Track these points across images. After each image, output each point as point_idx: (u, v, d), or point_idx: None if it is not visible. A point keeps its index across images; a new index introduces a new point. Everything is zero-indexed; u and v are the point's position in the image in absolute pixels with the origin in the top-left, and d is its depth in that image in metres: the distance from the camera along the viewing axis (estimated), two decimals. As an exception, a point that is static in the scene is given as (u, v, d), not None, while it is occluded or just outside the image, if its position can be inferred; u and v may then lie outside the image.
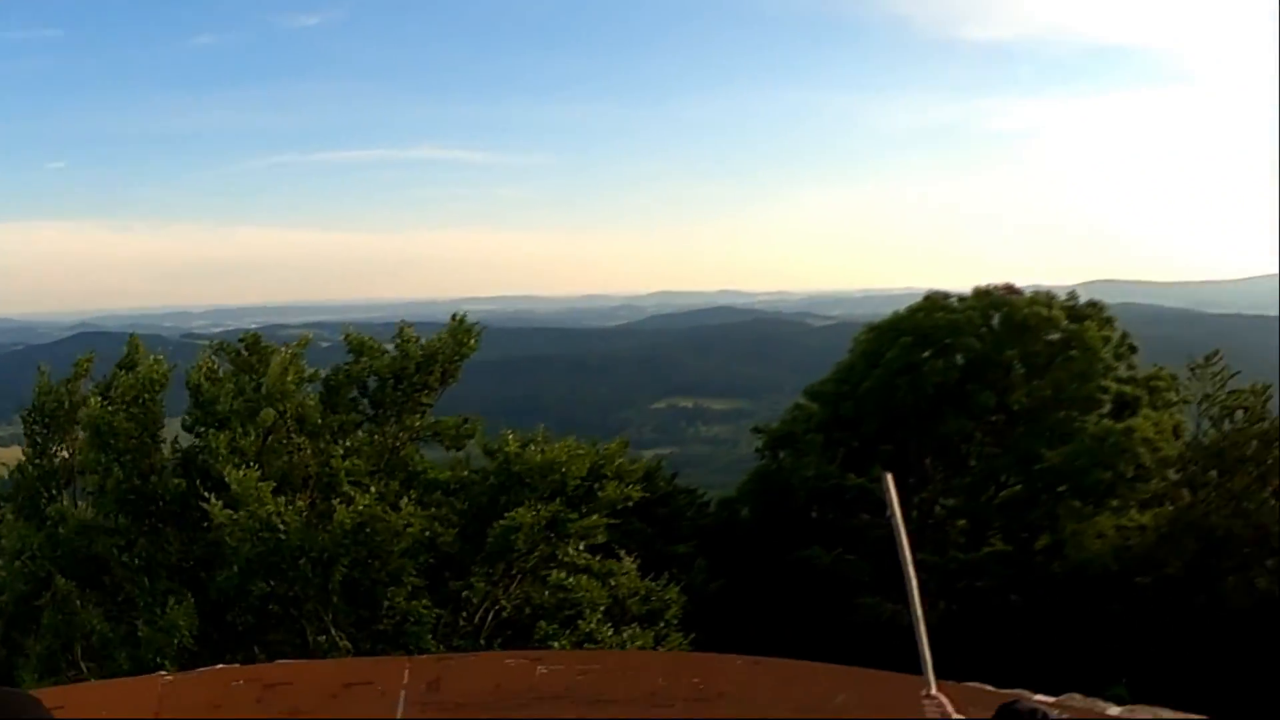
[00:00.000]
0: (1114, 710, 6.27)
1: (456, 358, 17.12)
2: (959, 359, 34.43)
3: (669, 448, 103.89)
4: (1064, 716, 4.00)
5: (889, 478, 4.90)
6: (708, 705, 6.03)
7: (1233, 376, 33.10)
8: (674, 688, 6.22)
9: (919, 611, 4.65)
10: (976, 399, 33.41)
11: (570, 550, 15.67)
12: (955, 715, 4.31)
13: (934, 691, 4.44)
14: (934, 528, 33.82)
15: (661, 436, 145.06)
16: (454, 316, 17.78)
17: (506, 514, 14.38)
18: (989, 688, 6.46)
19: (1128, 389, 34.29)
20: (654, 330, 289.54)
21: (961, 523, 33.98)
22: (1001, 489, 34.14)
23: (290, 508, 13.83)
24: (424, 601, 14.40)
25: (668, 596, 18.17)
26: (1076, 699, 6.25)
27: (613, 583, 16.46)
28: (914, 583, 4.75)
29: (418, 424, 17.37)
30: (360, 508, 13.69)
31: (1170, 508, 32.80)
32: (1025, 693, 5.11)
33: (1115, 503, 32.82)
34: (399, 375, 16.82)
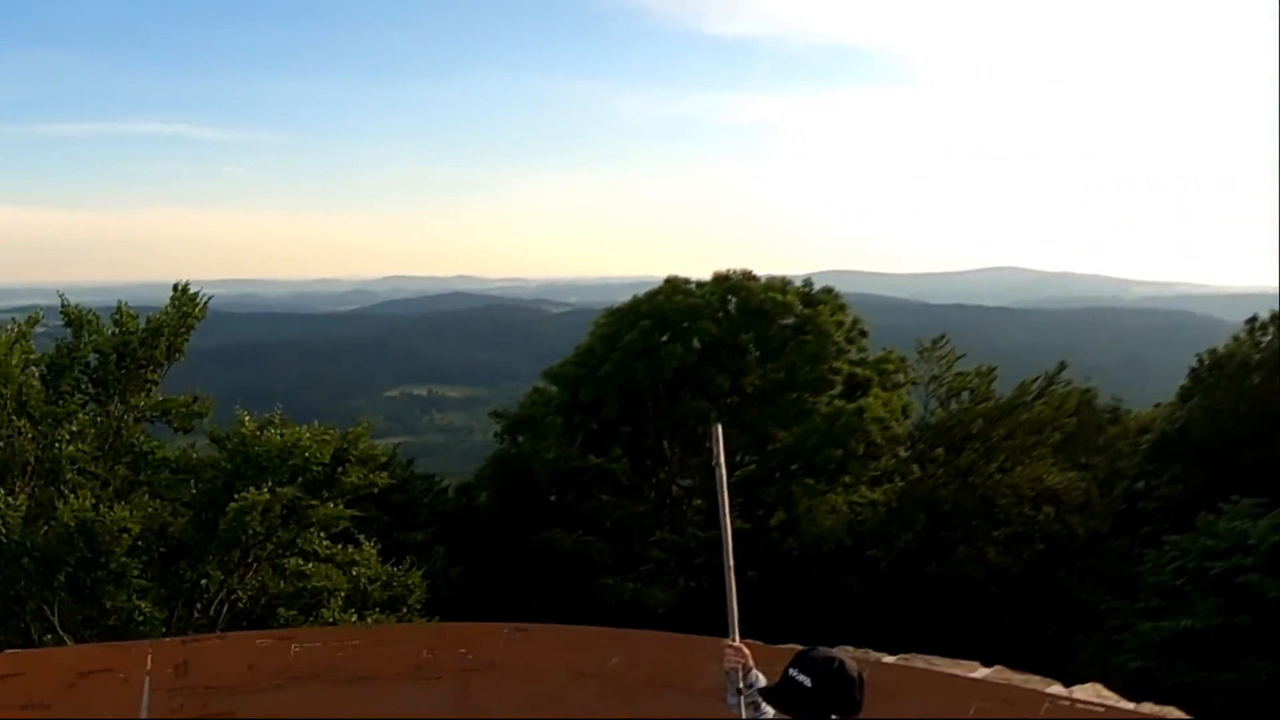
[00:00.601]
0: (888, 658, 6.79)
1: (183, 329, 16.71)
2: (696, 342, 35.74)
3: (403, 436, 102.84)
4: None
5: (718, 429, 4.97)
6: (480, 675, 6.05)
7: (958, 359, 36.50)
8: (441, 660, 6.21)
9: (730, 562, 4.80)
10: (713, 381, 34.82)
11: (312, 537, 15.61)
12: (754, 665, 4.50)
13: (736, 641, 4.60)
14: (672, 507, 35.31)
15: (395, 425, 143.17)
16: (176, 286, 17.34)
17: (237, 495, 14.16)
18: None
19: (859, 371, 36.47)
20: (387, 316, 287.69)
21: (699, 502, 35.15)
22: (737, 468, 35.44)
23: (9, 503, 13.23)
24: (147, 603, 14.08)
25: (410, 582, 18.38)
26: (848, 649, 6.33)
27: (354, 572, 16.52)
28: (729, 534, 4.89)
29: (144, 403, 16.88)
30: (80, 507, 13.21)
31: (900, 483, 35.71)
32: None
33: (847, 479, 35.32)
34: (122, 351, 16.28)
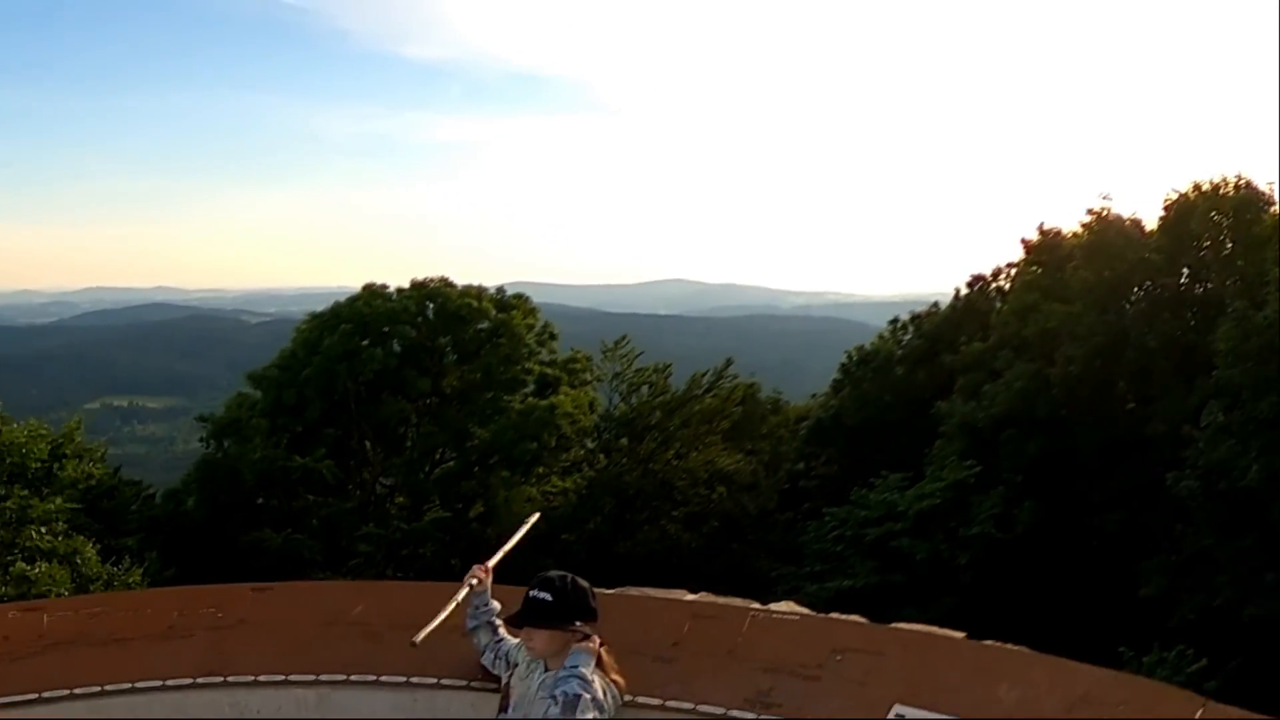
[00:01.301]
0: (607, 591, 6.92)
1: None
2: (396, 346, 38.41)
3: (106, 448, 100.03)
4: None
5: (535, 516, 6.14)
6: (230, 631, 6.32)
7: (638, 357, 40.40)
8: (191, 620, 6.45)
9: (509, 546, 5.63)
10: (414, 383, 37.66)
11: (33, 534, 17.10)
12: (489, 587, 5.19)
13: (489, 565, 5.22)
14: (376, 504, 37.63)
15: (97, 437, 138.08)
16: None
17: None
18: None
19: (549, 371, 40.12)
20: (87, 328, 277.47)
21: (401, 498, 37.92)
22: (438, 465, 38.66)
23: None
24: None
25: (130, 580, 19.82)
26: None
27: (77, 561, 17.93)
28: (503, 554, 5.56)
29: None
30: None
31: (589, 472, 39.49)
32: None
33: (541, 470, 38.73)
34: None
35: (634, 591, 7.13)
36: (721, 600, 6.90)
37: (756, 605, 6.54)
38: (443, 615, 4.81)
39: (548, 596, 4.37)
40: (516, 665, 4.82)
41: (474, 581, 5.09)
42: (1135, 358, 35.14)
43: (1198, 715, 4.50)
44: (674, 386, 39.94)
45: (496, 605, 5.14)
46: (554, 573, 4.53)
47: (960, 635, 6.03)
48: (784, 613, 6.55)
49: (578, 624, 4.36)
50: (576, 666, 4.27)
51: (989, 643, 5.89)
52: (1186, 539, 30.31)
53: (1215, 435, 30.19)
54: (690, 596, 6.96)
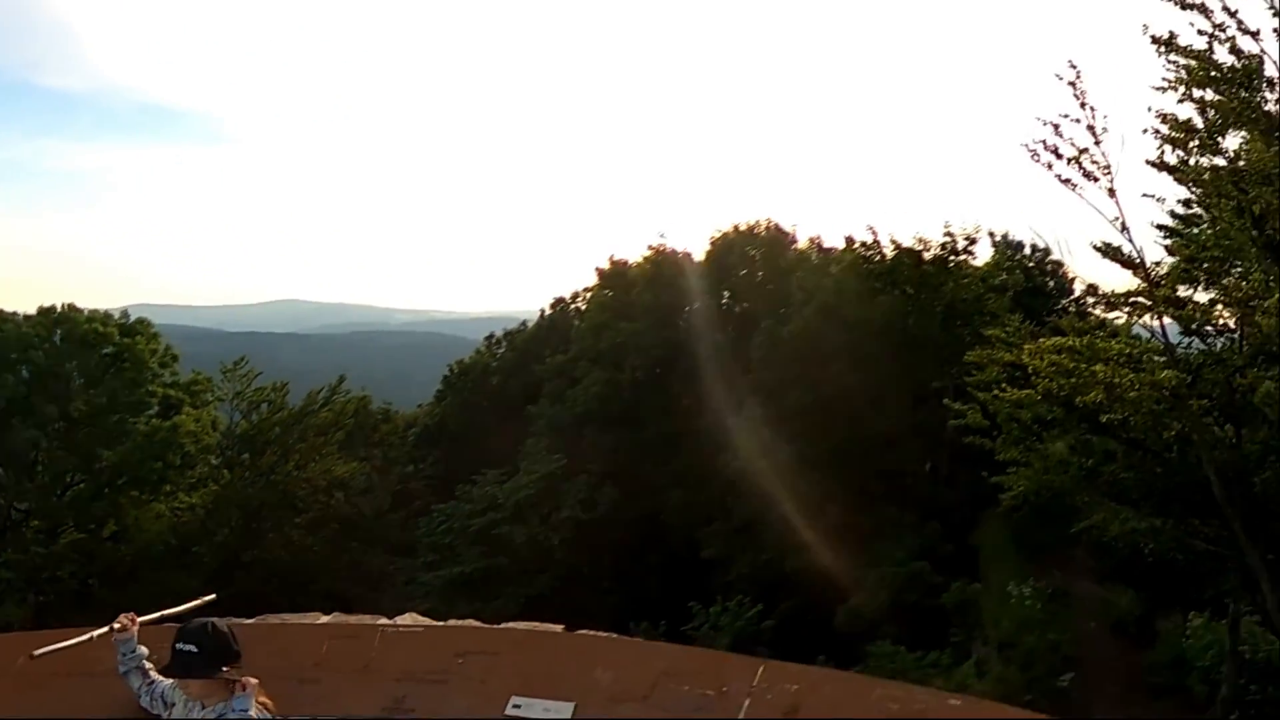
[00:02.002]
0: (246, 621, 7.14)
1: None
2: (25, 373, 40.18)
3: None
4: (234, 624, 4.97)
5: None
6: None
7: (256, 377, 44.13)
8: None
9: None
10: (43, 409, 39.38)
11: None
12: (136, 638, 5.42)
13: (131, 615, 5.48)
14: (13, 529, 39.24)
15: None
16: None
17: None
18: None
19: (172, 393, 43.23)
20: None
21: (36, 522, 39.56)
22: (70, 488, 40.58)
23: None
24: None
25: None
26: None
27: None
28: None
29: None
30: None
31: (215, 487, 42.65)
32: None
33: (169, 488, 41.79)
34: None
35: (274, 619, 7.52)
36: (354, 620, 7.59)
37: (385, 620, 7.20)
38: (73, 641, 5.34)
39: (193, 648, 4.71)
40: (174, 704, 5.15)
41: (117, 625, 5.38)
42: (688, 364, 42.36)
43: (759, 673, 5.37)
44: (291, 403, 43.57)
45: (144, 650, 5.43)
46: (195, 624, 4.87)
47: (560, 629, 6.89)
48: (410, 626, 7.06)
49: (224, 669, 4.73)
50: (246, 711, 4.69)
51: (584, 632, 6.82)
52: (736, 509, 36.40)
53: (754, 425, 36.93)
54: (324, 619, 7.53)
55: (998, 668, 23.76)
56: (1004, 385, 19.77)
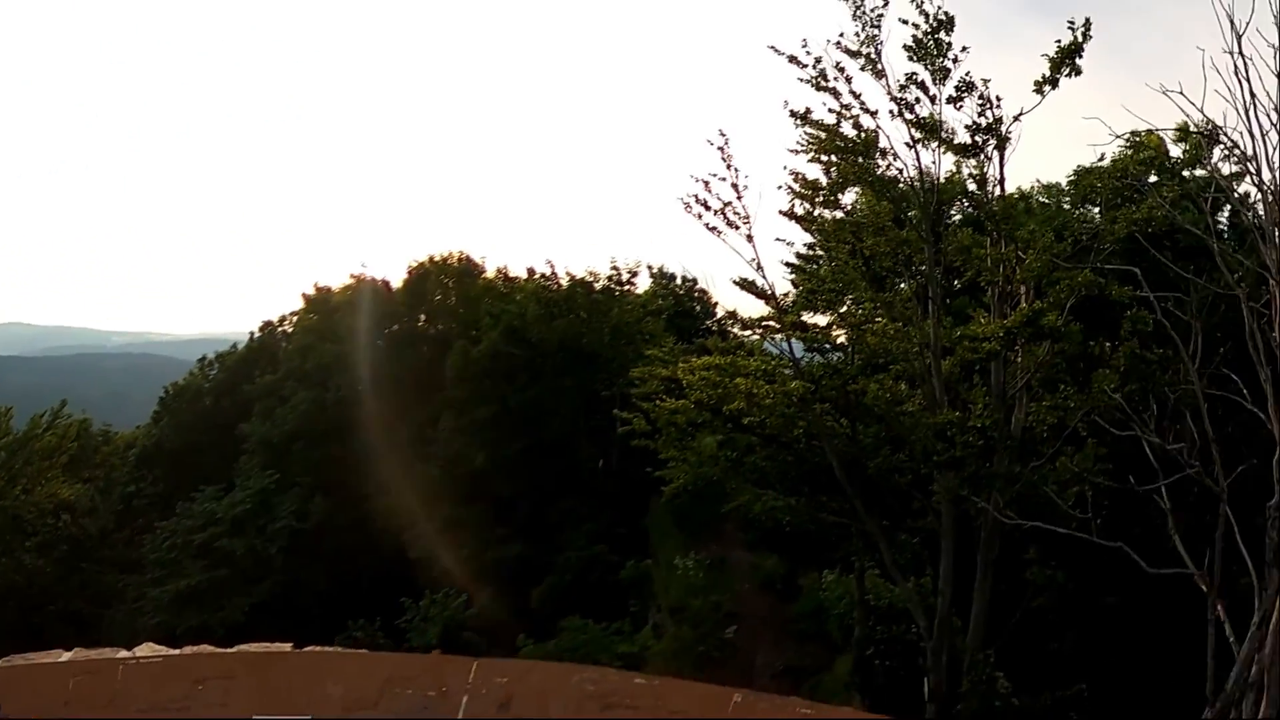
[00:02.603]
0: None
1: None
2: None
3: None
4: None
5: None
6: None
7: None
8: None
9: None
10: None
11: None
12: None
13: None
14: None
15: None
16: None
17: None
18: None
19: None
20: None
21: None
22: None
23: None
24: None
25: None
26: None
27: None
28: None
29: None
30: None
31: None
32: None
33: None
34: None
35: (19, 660, 6.38)
36: (95, 654, 6.38)
37: (125, 653, 6.23)
38: None
39: None
40: None
41: None
42: (388, 382, 42.13)
43: (473, 670, 5.00)
44: (16, 428, 41.08)
45: None
46: None
47: (289, 647, 6.44)
48: (149, 656, 6.18)
49: None
50: None
51: (312, 649, 6.30)
52: (437, 511, 36.46)
53: (450, 435, 37.56)
54: (66, 655, 6.43)
55: (672, 629, 24.85)
56: (663, 396, 20.84)
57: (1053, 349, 17.56)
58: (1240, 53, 13.97)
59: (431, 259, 47.09)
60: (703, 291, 43.19)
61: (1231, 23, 13.96)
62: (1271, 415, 14.43)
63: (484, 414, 36.75)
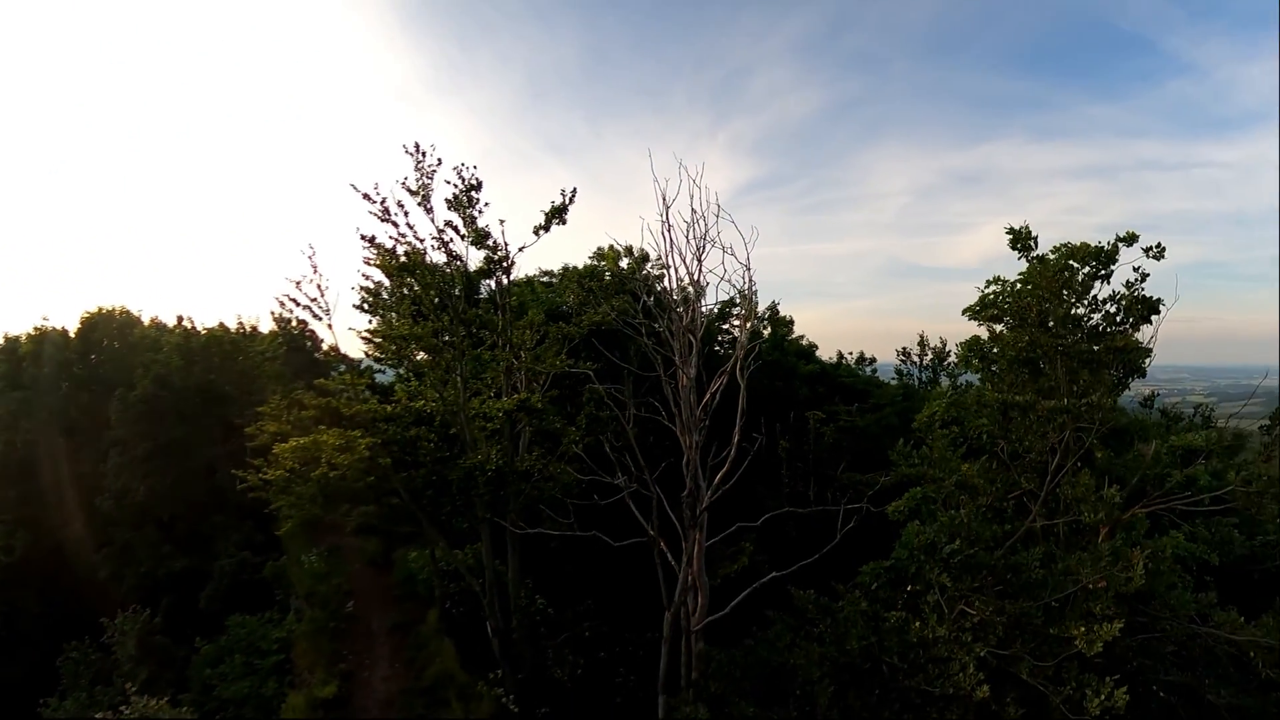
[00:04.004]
0: None
1: None
2: None
3: None
4: None
5: None
6: None
7: None
8: None
9: None
10: None
11: None
12: None
13: None
14: None
15: None
16: None
17: None
18: None
19: None
20: None
21: None
22: None
23: None
24: None
25: None
26: None
27: None
28: None
29: None
30: None
31: None
32: None
33: None
34: None
35: None
36: None
37: None
38: None
39: None
40: None
41: None
42: (66, 423, 38.73)
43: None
44: None
45: None
46: None
47: None
48: None
49: None
50: None
51: None
52: (116, 535, 34.01)
53: (117, 469, 34.61)
54: None
55: (309, 612, 24.69)
56: (273, 449, 20.55)
57: (540, 421, 19.18)
58: (667, 219, 16.87)
59: (100, 309, 43.05)
60: (313, 332, 42.87)
61: (663, 198, 16.69)
62: (680, 435, 17.40)
63: (142, 450, 34.30)
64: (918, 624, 15.25)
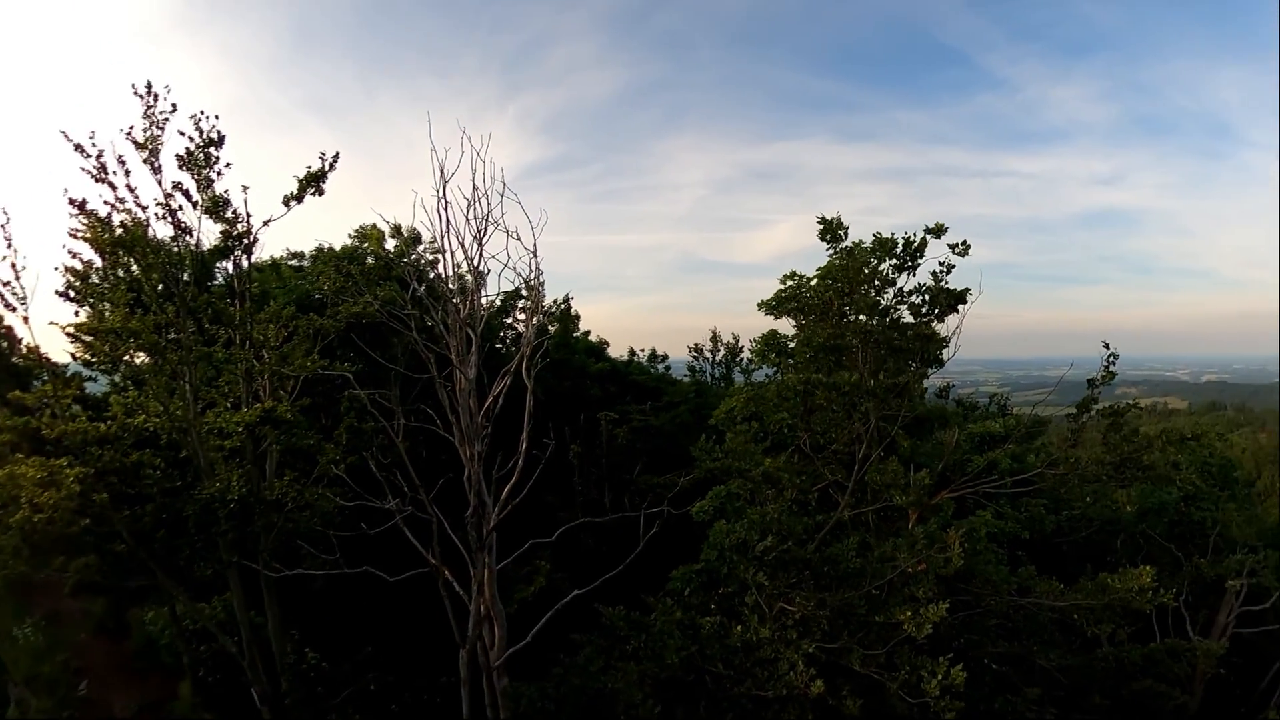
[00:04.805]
0: None
1: None
2: None
3: None
4: None
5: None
6: None
7: None
8: None
9: None
10: None
11: None
12: None
13: None
14: None
15: None
16: None
17: None
18: None
19: None
20: None
21: None
22: None
23: None
24: None
25: None
26: None
27: None
28: None
29: None
30: None
31: None
32: None
33: None
34: None
35: None
36: None
37: None
38: None
39: None
40: None
41: None
42: None
43: None
44: None
45: None
46: None
47: None
48: None
49: None
50: None
51: None
52: None
53: None
54: None
55: (33, 701, 21.17)
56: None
57: (289, 436, 17.59)
58: (444, 194, 15.77)
59: None
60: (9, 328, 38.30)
61: (441, 171, 15.58)
62: (460, 446, 16.45)
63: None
64: (739, 628, 15.35)
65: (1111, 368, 20.02)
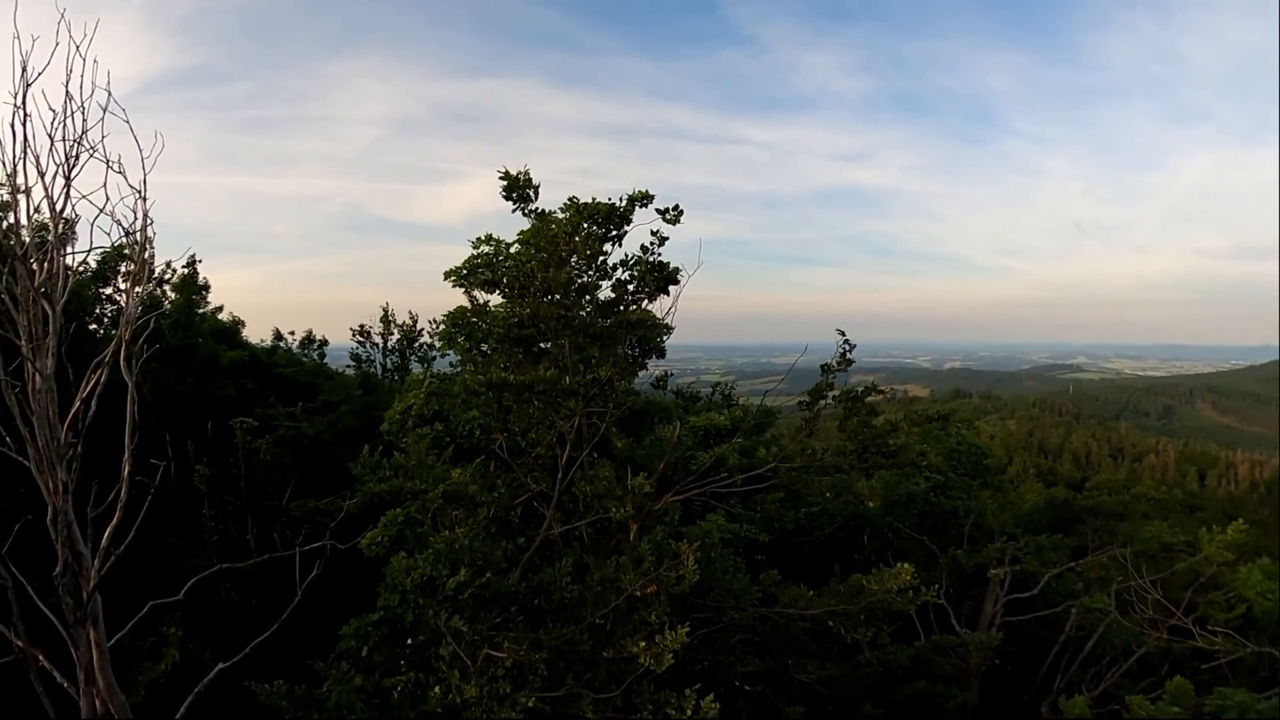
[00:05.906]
0: None
1: None
2: None
3: None
4: None
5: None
6: None
7: None
8: None
9: None
10: None
11: None
12: None
13: None
14: None
15: None
16: None
17: None
18: None
19: None
20: None
21: None
22: None
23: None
24: None
25: None
26: None
27: None
28: None
29: None
30: None
31: None
32: None
33: None
34: None
35: None
36: None
37: None
38: None
39: None
40: None
41: None
42: None
43: None
44: None
45: None
46: None
47: None
48: None
49: None
50: None
51: None
52: None
53: None
54: None
55: None
56: None
57: None
58: (24, 101, 12.07)
59: None
60: None
61: (24, 69, 11.84)
62: (37, 475, 13.09)
63: None
64: (437, 688, 13.60)
65: (849, 354, 19.93)
